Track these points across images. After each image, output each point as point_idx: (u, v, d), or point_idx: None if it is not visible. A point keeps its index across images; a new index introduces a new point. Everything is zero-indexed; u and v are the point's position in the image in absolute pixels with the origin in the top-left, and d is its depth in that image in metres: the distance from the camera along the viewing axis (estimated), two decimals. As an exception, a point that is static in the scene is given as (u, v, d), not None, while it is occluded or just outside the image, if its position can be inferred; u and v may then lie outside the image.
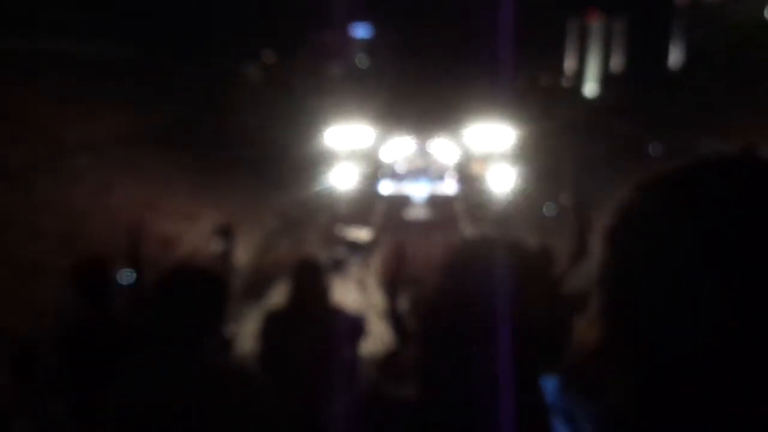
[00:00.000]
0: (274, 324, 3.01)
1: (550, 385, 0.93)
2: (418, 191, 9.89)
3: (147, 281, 2.74)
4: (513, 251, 0.96)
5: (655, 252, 0.52)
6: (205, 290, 1.83)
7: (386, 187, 9.70)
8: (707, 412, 0.51)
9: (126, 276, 2.99)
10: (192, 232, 9.84)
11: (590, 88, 28.88)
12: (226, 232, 2.62)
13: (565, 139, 14.94)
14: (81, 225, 9.02)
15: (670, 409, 0.53)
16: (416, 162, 10.03)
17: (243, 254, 9.08)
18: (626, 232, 0.55)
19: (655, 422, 0.54)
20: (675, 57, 28.28)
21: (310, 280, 3.02)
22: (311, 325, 2.92)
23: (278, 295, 3.23)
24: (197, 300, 1.80)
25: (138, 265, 2.76)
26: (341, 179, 9.64)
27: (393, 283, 3.88)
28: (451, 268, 0.95)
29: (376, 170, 9.73)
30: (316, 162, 10.31)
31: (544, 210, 10.83)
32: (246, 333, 3.05)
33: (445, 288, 0.94)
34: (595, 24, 31.45)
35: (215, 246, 3.22)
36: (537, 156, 11.10)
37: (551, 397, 0.91)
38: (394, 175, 9.91)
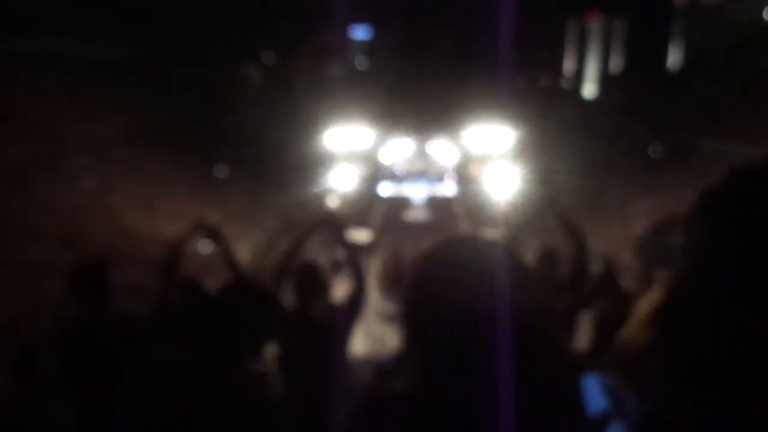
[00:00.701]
0: (276, 325, 3.02)
1: (591, 383, 0.93)
2: (418, 193, 9.89)
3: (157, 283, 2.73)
4: (492, 250, 0.97)
5: (746, 243, 0.50)
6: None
7: (386, 189, 9.70)
8: (755, 419, 0.49)
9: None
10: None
11: (590, 88, 28.88)
12: (212, 233, 2.55)
13: (564, 140, 14.95)
14: (81, 225, 9.02)
15: (718, 412, 0.51)
16: (415, 163, 10.03)
17: (243, 255, 9.08)
18: (719, 218, 0.54)
19: (701, 424, 0.53)
20: (674, 58, 28.28)
21: (311, 283, 3.03)
22: (313, 325, 2.93)
23: (280, 297, 3.23)
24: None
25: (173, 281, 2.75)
26: (341, 180, 9.65)
27: (391, 285, 3.89)
28: (426, 268, 0.96)
29: (375, 172, 9.74)
30: (315, 163, 10.32)
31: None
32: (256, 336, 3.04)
33: (421, 287, 0.95)
34: (595, 25, 31.47)
35: (202, 249, 3.16)
36: (537, 157, 11.11)
37: (593, 395, 0.91)
38: (394, 177, 9.91)
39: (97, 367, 2.44)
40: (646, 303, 0.67)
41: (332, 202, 9.83)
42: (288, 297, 3.12)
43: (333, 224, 3.06)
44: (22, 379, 2.63)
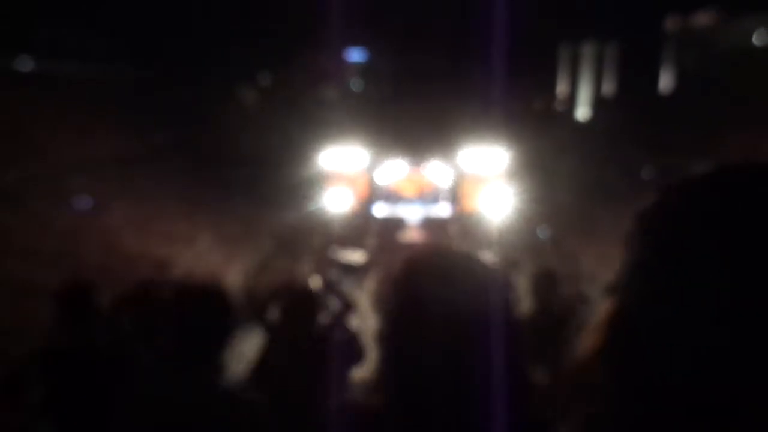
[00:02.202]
0: (268, 346, 3.00)
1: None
2: (412, 214, 9.87)
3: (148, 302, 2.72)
4: (467, 263, 0.97)
5: (678, 256, 0.53)
6: (208, 311, 1.82)
7: (380, 210, 9.68)
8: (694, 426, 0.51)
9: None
10: (187, 254, 9.82)
11: (583, 111, 29.15)
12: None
13: (558, 162, 15.03)
14: (75, 245, 8.99)
15: (660, 422, 0.53)
16: (410, 185, 10.04)
17: (237, 276, 9.04)
18: (652, 233, 0.57)
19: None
20: (666, 81, 28.60)
21: (301, 308, 3.02)
22: (305, 348, 2.91)
23: (272, 318, 3.23)
24: (200, 321, 1.79)
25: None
26: (335, 201, 9.63)
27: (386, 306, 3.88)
28: (402, 281, 0.96)
29: (370, 193, 9.72)
30: (310, 184, 10.32)
31: (537, 232, 10.85)
32: (240, 354, 3.04)
33: (397, 301, 0.95)
34: (587, 49, 31.87)
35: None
36: (531, 179, 11.15)
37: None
38: (388, 198, 9.89)
39: (84, 389, 2.41)
40: (601, 311, 0.70)
41: (326, 224, 9.81)
42: (277, 320, 3.10)
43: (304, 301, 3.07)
44: (8, 401, 2.59)
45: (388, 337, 0.95)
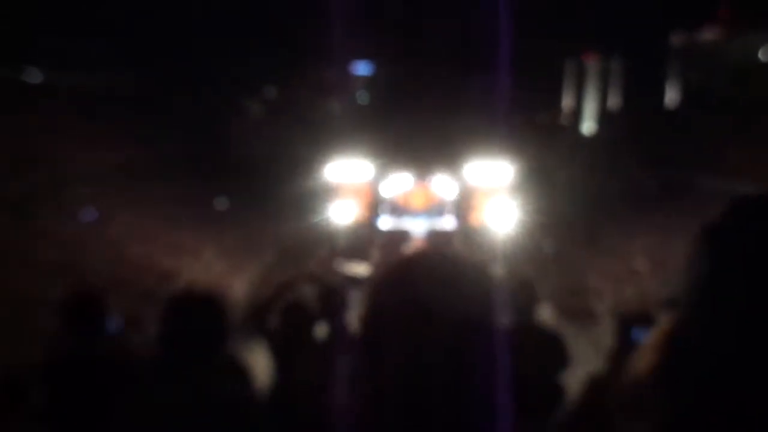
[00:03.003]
0: (270, 354, 2.99)
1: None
2: (417, 227, 9.85)
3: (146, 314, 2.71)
4: (461, 265, 0.95)
5: (749, 273, 0.50)
6: (207, 317, 1.81)
7: (385, 222, 9.67)
8: None
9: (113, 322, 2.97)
10: (191, 265, 9.82)
11: (588, 126, 29.17)
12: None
13: (563, 176, 15.02)
14: (78, 256, 8.99)
15: None
16: (415, 197, 10.03)
17: (241, 287, 9.03)
18: (719, 249, 0.54)
19: None
20: (671, 96, 28.61)
21: (303, 318, 3.00)
22: (307, 357, 2.89)
23: (274, 327, 3.21)
24: (199, 327, 1.78)
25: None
26: (340, 214, 9.63)
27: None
28: (388, 284, 0.95)
29: (375, 205, 9.71)
30: (315, 196, 10.32)
31: (543, 246, 10.81)
32: (242, 362, 3.01)
33: (384, 300, 0.93)
34: (593, 63, 31.95)
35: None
36: (535, 192, 11.13)
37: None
38: (393, 211, 9.88)
39: (85, 395, 2.39)
40: (655, 333, 0.67)
41: (331, 236, 9.80)
42: (280, 329, 3.08)
43: (314, 279, 3.09)
44: (10, 407, 2.58)
45: (373, 338, 0.93)
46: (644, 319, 2.72)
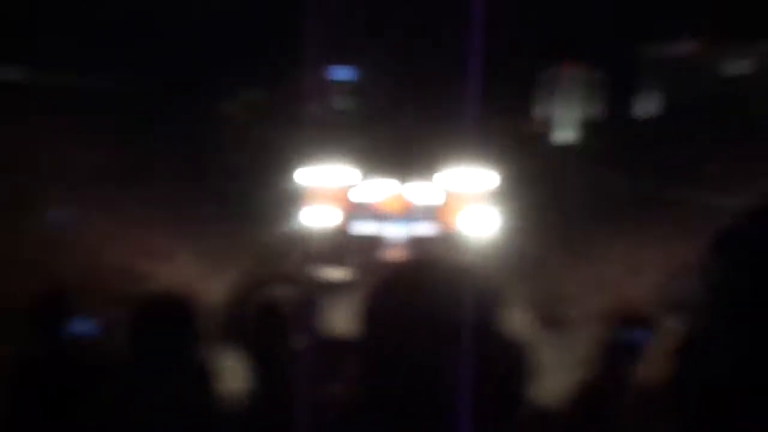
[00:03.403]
0: (246, 359, 2.95)
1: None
2: (396, 232, 9.85)
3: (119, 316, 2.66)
4: (450, 271, 0.94)
5: (755, 286, 0.48)
6: (177, 321, 1.77)
7: (363, 228, 9.65)
8: None
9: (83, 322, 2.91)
10: (166, 269, 9.71)
11: (567, 134, 29.44)
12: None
13: (542, 184, 15.12)
14: (52, 258, 8.86)
15: None
16: (394, 203, 10.03)
17: (217, 291, 8.93)
18: (732, 257, 0.52)
19: None
20: (654, 106, 29.01)
21: (279, 322, 2.97)
22: (283, 360, 2.86)
23: (250, 331, 3.16)
24: (171, 331, 1.74)
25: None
26: (317, 218, 9.58)
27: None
28: (382, 289, 0.93)
29: (352, 210, 9.69)
30: (293, 201, 10.27)
31: (520, 253, 10.85)
32: (219, 371, 2.98)
33: (377, 307, 0.92)
34: (573, 72, 32.29)
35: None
36: (515, 199, 11.20)
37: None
38: (372, 216, 9.87)
39: (53, 401, 2.34)
40: (662, 344, 0.64)
41: (307, 240, 9.75)
42: (256, 333, 3.04)
43: (287, 279, 3.08)
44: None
45: (365, 342, 0.92)
46: (640, 322, 2.68)
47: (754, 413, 0.41)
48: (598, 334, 2.89)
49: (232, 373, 3.07)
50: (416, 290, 0.90)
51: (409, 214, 9.80)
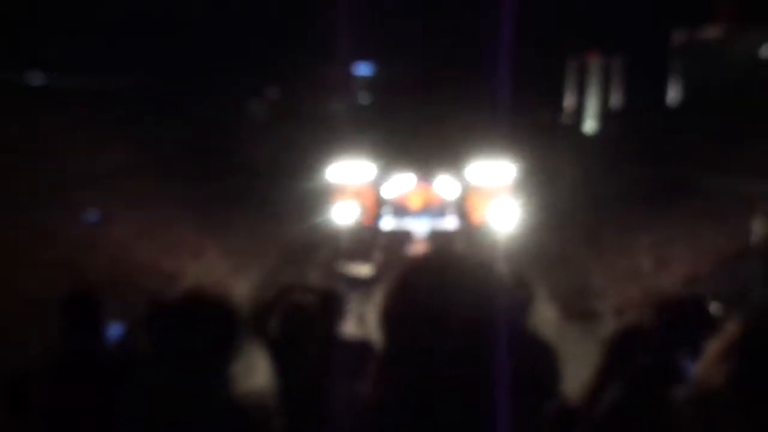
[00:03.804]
0: (274, 356, 2.99)
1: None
2: (420, 227, 9.85)
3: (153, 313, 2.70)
4: (470, 267, 0.95)
5: None
6: (216, 320, 1.80)
7: (387, 223, 9.67)
8: None
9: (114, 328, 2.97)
10: (195, 267, 9.84)
11: (590, 124, 29.11)
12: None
13: (566, 175, 14.99)
14: (81, 257, 9.02)
15: None
16: (418, 198, 10.03)
17: (243, 288, 9.04)
18: None
19: None
20: (673, 94, 28.54)
21: (307, 319, 3.00)
22: (310, 359, 2.89)
23: (277, 330, 3.20)
24: (208, 330, 1.77)
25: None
26: (342, 215, 9.63)
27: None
28: (404, 284, 0.95)
29: (377, 206, 9.72)
30: (317, 197, 10.33)
31: (545, 246, 10.79)
32: (247, 368, 3.01)
33: (399, 302, 0.94)
34: (594, 62, 31.85)
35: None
36: (538, 192, 11.12)
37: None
38: (396, 211, 9.88)
39: (88, 399, 2.39)
40: (721, 341, 0.64)
41: (334, 237, 9.80)
42: (283, 331, 3.07)
43: (310, 290, 3.10)
44: (15, 413, 2.58)
45: (388, 337, 0.94)
46: (691, 314, 2.46)
47: None
48: (639, 327, 2.78)
49: (260, 373, 3.12)
50: (437, 284, 0.91)
51: (433, 208, 9.80)
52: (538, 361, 3.15)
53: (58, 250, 9.03)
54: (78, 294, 2.66)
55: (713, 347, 0.62)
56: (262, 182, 13.07)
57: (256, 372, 3.02)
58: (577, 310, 8.16)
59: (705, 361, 0.62)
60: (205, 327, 1.84)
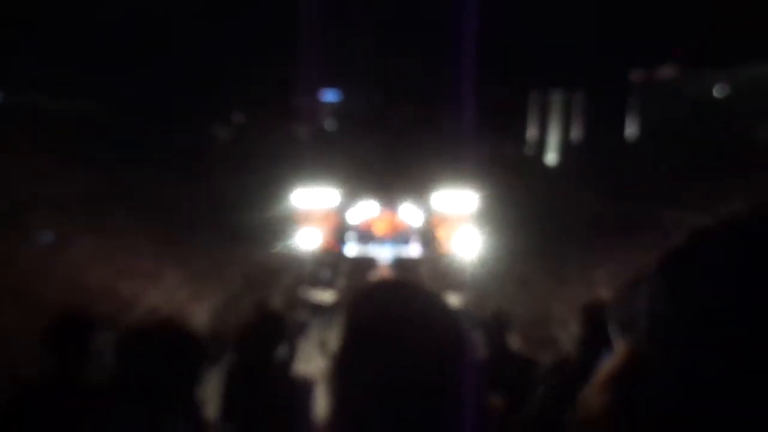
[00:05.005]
0: (232, 383, 2.94)
1: None
2: (383, 254, 9.86)
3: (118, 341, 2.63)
4: (417, 295, 0.96)
5: (705, 303, 0.49)
6: (182, 350, 1.76)
7: (351, 250, 9.66)
8: None
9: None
10: (152, 292, 9.63)
11: (551, 157, 29.75)
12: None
13: (527, 206, 15.24)
14: (33, 281, 8.75)
15: None
16: (381, 225, 10.06)
17: (203, 314, 8.88)
18: (679, 278, 0.53)
19: None
20: (631, 129, 29.44)
21: (267, 346, 2.96)
22: (269, 384, 2.85)
23: (237, 355, 3.16)
24: (173, 360, 1.73)
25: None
26: (306, 240, 9.58)
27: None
28: (352, 313, 0.95)
29: (341, 232, 9.70)
30: (280, 222, 10.27)
31: (507, 275, 10.90)
32: (206, 394, 2.96)
33: (349, 334, 0.93)
34: (556, 97, 32.71)
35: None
36: (501, 222, 11.27)
37: None
38: (359, 238, 9.88)
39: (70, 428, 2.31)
40: (608, 366, 0.65)
41: (297, 262, 9.74)
42: (242, 357, 3.03)
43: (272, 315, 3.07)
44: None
45: (334, 371, 0.93)
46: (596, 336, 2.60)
47: None
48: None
49: (224, 392, 3.06)
50: (385, 311, 0.91)
51: (397, 235, 9.83)
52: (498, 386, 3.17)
53: (10, 276, 8.75)
54: (61, 321, 2.57)
55: (602, 370, 0.64)
56: (224, 206, 12.94)
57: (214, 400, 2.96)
58: (537, 338, 8.23)
59: (592, 383, 0.63)
60: (170, 356, 1.81)
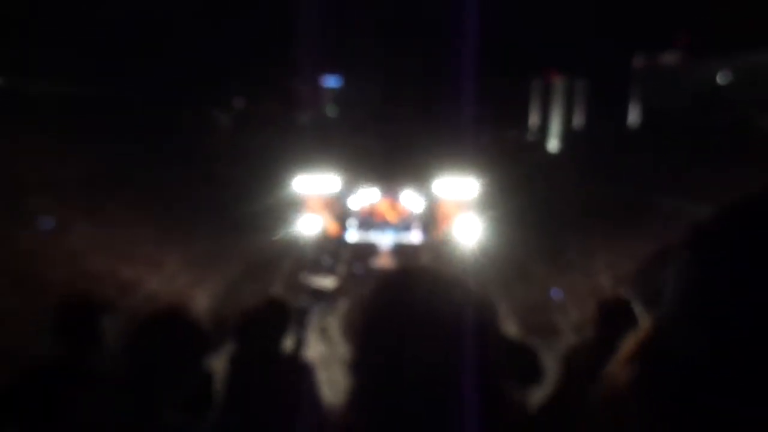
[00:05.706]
0: (235, 368, 2.95)
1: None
2: (384, 240, 9.87)
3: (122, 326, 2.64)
4: (439, 280, 0.97)
5: (731, 280, 0.49)
6: (185, 338, 1.77)
7: (352, 236, 9.66)
8: None
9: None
10: (152, 277, 9.64)
11: (553, 143, 29.69)
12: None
13: (529, 193, 15.23)
14: (34, 266, 8.77)
15: None
16: (383, 211, 10.06)
17: (204, 301, 8.90)
18: (706, 255, 0.53)
19: None
20: (633, 116, 29.35)
21: (268, 332, 2.97)
22: (272, 371, 2.86)
23: (239, 340, 3.17)
24: (177, 346, 1.74)
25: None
26: (307, 226, 9.59)
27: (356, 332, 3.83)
28: (372, 300, 0.96)
29: (342, 218, 9.71)
30: (282, 208, 10.27)
31: (508, 261, 10.92)
32: (209, 378, 2.98)
33: (367, 318, 0.94)
34: (558, 83, 32.59)
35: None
36: (502, 208, 11.26)
37: None
38: (361, 224, 9.89)
39: (76, 412, 2.32)
40: (631, 340, 0.66)
41: (298, 248, 9.75)
42: (245, 343, 3.04)
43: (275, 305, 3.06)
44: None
45: (359, 352, 0.94)
46: (622, 314, 2.61)
47: (719, 412, 0.42)
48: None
49: (226, 379, 3.08)
50: (406, 300, 0.92)
51: (399, 222, 9.84)
52: (500, 373, 3.18)
53: (11, 260, 8.76)
54: (71, 305, 2.57)
55: (626, 346, 0.64)
56: (226, 192, 12.93)
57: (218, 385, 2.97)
58: (537, 325, 8.25)
59: (616, 359, 0.64)
60: (173, 343, 1.82)
